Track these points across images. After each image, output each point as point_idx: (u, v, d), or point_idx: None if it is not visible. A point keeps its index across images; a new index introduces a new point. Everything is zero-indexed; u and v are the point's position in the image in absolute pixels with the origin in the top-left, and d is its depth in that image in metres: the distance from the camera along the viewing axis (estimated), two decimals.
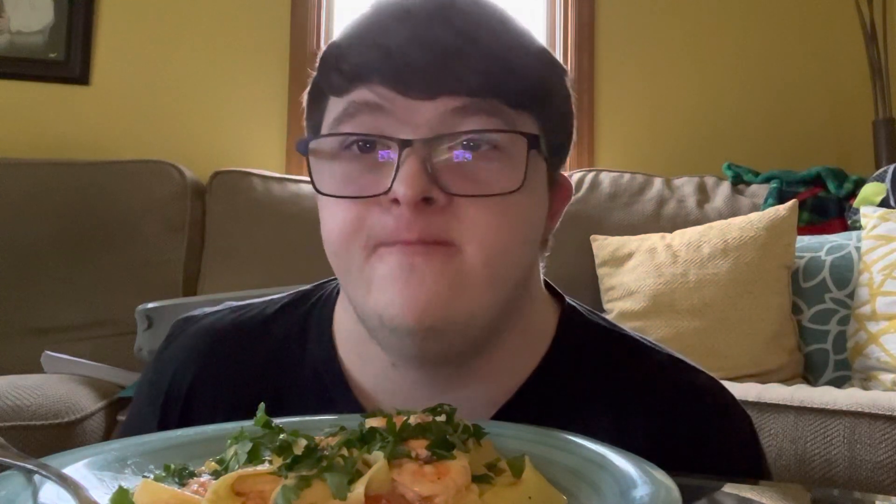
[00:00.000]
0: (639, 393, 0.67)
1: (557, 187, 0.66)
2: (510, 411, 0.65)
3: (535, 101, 0.60)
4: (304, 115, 0.66)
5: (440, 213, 0.55)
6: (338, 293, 0.72)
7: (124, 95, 2.47)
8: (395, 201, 0.55)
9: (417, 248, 0.55)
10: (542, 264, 0.70)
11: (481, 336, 0.61)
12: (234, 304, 0.76)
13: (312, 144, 0.60)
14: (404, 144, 0.55)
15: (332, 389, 0.68)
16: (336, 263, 0.61)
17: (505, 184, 0.56)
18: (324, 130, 0.61)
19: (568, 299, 0.73)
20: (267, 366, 0.70)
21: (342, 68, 0.59)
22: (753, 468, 0.70)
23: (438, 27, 0.57)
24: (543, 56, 0.64)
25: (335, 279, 0.72)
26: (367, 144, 0.58)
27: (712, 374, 0.72)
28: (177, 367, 0.72)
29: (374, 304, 0.57)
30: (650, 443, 0.55)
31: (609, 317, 2.00)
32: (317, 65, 0.64)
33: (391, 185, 0.55)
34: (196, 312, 0.77)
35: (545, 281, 0.72)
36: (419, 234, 0.55)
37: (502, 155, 0.57)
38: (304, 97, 0.66)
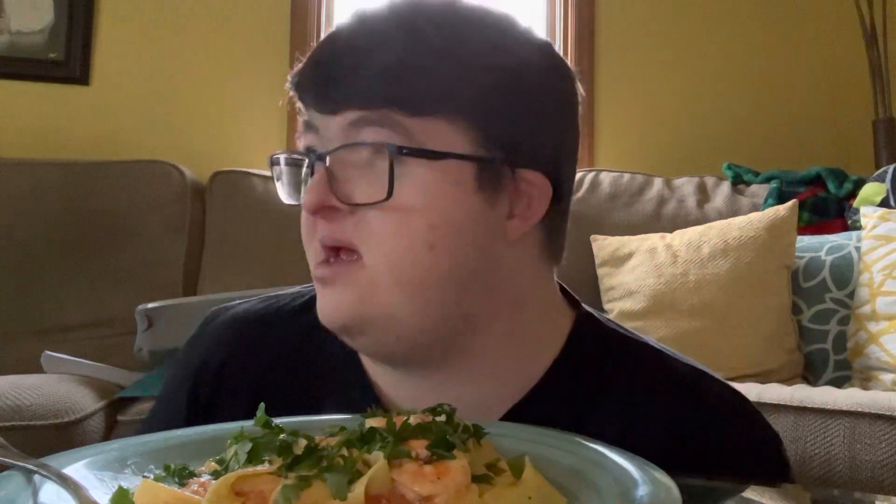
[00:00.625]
0: (656, 403, 0.66)
1: (518, 184, 0.63)
2: (519, 414, 0.65)
3: (453, 106, 0.60)
4: None
5: (346, 218, 0.60)
6: None
7: (124, 95, 2.47)
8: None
9: (326, 269, 0.62)
10: (555, 274, 0.69)
11: (429, 338, 0.62)
12: (265, 294, 0.79)
13: (273, 159, 0.67)
14: (311, 159, 0.62)
15: (352, 380, 0.70)
16: None
17: (378, 193, 0.58)
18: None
19: (584, 306, 0.72)
20: (293, 355, 0.72)
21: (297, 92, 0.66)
22: (777, 475, 0.68)
23: (342, 44, 0.63)
24: (482, 58, 0.62)
25: None
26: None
27: (728, 382, 0.70)
28: (206, 351, 0.75)
29: None
30: (666, 454, 0.54)
31: (609, 317, 2.00)
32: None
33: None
34: (228, 303, 0.80)
35: (561, 286, 0.71)
36: (325, 237, 0.61)
37: (397, 163, 0.58)
38: None
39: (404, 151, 0.59)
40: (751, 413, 0.70)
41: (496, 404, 0.66)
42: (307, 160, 0.62)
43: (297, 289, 0.78)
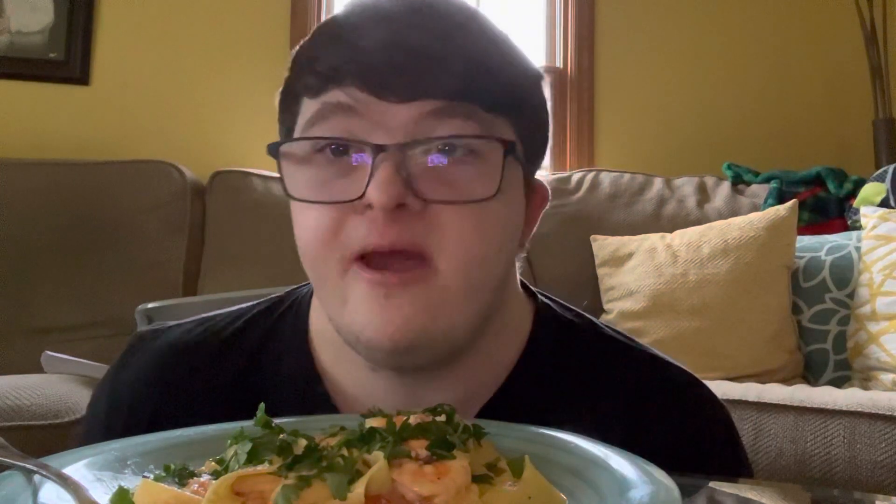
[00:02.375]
0: (613, 388, 0.67)
1: (533, 193, 0.65)
2: (491, 410, 0.64)
3: (510, 105, 0.59)
4: (277, 117, 0.64)
5: (415, 219, 0.54)
6: (311, 296, 0.70)
7: (124, 95, 2.47)
8: (370, 206, 0.54)
9: (392, 276, 0.54)
10: (518, 265, 0.69)
11: (461, 344, 0.61)
12: (201, 316, 0.72)
13: (284, 148, 0.58)
14: (378, 149, 0.54)
15: (310, 397, 0.65)
16: (310, 271, 0.60)
17: (481, 190, 0.55)
18: (296, 132, 0.60)
19: (541, 297, 0.72)
20: (240, 380, 0.67)
21: (316, 69, 0.58)
22: (731, 459, 0.70)
23: (414, 29, 0.56)
24: (519, 61, 0.63)
25: (308, 283, 0.71)
26: (340, 148, 0.56)
27: (687, 368, 0.72)
28: (139, 388, 0.68)
29: (350, 322, 0.57)
30: (627, 435, 0.55)
31: (609, 317, 2.00)
32: (289, 65, 0.62)
33: (365, 191, 0.53)
34: (156, 326, 0.72)
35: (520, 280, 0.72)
36: (392, 241, 0.54)
37: (478, 160, 0.56)
38: (277, 97, 0.64)
39: (514, 150, 0.57)
40: (704, 391, 0.71)
41: (472, 401, 0.65)
42: (371, 150, 0.54)
43: (233, 308, 0.72)
